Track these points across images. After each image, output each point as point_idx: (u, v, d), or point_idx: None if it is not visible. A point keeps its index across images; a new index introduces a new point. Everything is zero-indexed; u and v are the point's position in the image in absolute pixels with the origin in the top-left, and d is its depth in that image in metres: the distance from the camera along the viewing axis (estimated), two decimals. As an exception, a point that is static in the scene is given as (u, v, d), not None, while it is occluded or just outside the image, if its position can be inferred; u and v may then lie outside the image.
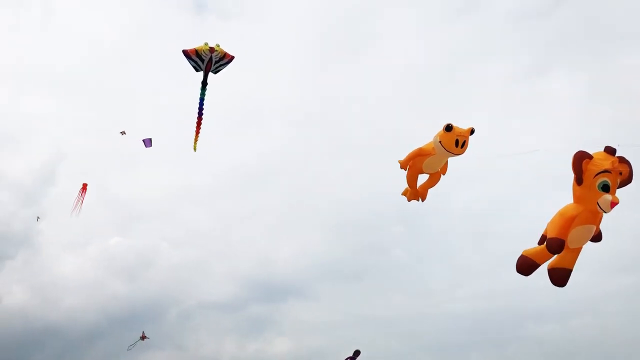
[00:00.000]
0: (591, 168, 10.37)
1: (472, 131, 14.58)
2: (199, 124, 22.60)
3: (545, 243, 11.15)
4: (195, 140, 23.35)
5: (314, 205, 59.71)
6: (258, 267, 59.48)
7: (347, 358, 26.19)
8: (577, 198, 10.85)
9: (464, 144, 14.55)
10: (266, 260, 59.88)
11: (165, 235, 60.77)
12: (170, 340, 47.98)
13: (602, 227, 11.35)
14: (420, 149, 15.42)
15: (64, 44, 61.04)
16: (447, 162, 16.04)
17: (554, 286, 11.54)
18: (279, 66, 63.84)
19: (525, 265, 11.54)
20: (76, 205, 36.66)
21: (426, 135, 16.24)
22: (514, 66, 62.21)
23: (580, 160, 10.35)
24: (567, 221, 10.84)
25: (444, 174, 16.42)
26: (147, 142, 33.41)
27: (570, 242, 11.01)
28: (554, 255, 11.40)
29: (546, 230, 11.43)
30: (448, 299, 52.19)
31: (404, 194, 16.72)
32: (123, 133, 35.23)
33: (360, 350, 26.01)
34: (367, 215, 57.64)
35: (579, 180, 10.52)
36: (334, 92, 63.08)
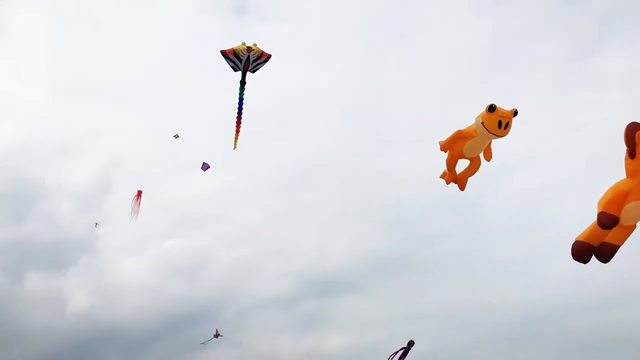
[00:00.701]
0: None
1: (515, 112, 13.91)
2: (238, 122, 22.99)
3: (596, 219, 10.41)
4: (236, 138, 23.76)
5: (365, 199, 59.67)
6: (311, 263, 60.13)
7: (401, 349, 25.96)
8: (630, 172, 10.27)
9: (507, 126, 13.93)
10: (319, 256, 60.39)
11: (219, 235, 62.47)
12: (226, 337, 48.65)
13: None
14: (461, 131, 14.88)
15: (115, 56, 63.43)
16: (490, 147, 15.53)
17: (601, 264, 10.95)
18: (321, 63, 64.30)
19: (581, 250, 10.79)
20: (133, 211, 38.35)
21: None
22: (566, 46, 60.38)
23: (633, 131, 9.80)
24: (619, 196, 10.27)
25: (488, 160, 15.81)
26: (205, 166, 35.66)
27: (623, 219, 10.39)
28: (607, 234, 10.69)
29: (598, 206, 10.62)
30: (504, 289, 51.16)
31: (442, 176, 16.28)
32: (176, 136, 36.71)
33: (414, 341, 25.71)
34: (420, 208, 57.36)
35: (631, 153, 9.97)
36: (379, 84, 62.90)
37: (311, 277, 58.98)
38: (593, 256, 10.92)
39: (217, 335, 44.36)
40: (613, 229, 10.45)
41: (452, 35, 60.66)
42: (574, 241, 11.00)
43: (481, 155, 15.88)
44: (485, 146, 15.33)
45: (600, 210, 10.32)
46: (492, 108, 13.78)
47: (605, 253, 10.87)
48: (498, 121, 13.85)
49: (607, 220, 10.16)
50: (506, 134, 14.22)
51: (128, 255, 60.44)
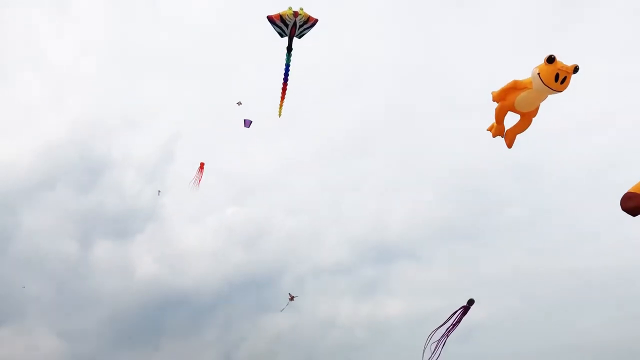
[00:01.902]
0: None
1: (576, 69, 12.91)
2: (284, 90, 22.69)
3: None
4: (281, 106, 23.52)
5: (423, 165, 59.04)
6: (369, 231, 60.31)
7: (462, 307, 25.58)
8: None
9: (564, 80, 12.95)
10: (377, 223, 60.44)
11: (278, 204, 63.45)
12: (285, 303, 49.86)
13: None
14: (516, 82, 13.96)
15: (172, 30, 64.62)
16: (539, 105, 14.82)
17: None
18: (376, 28, 63.02)
19: (631, 202, 10.27)
20: (195, 182, 39.55)
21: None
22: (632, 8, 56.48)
23: None
24: None
25: (533, 117, 15.16)
26: (247, 123, 35.83)
27: None
28: None
29: None
30: (568, 255, 49.58)
31: (489, 129, 15.47)
32: (239, 104, 37.13)
33: (474, 299, 25.21)
34: (479, 174, 56.05)
35: None
36: (436, 48, 61.34)
37: (369, 244, 59.29)
38: None
39: (292, 298, 45.85)
40: None
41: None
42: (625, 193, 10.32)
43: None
44: (539, 102, 14.42)
45: None
46: (551, 59, 12.73)
47: None
48: (556, 74, 12.88)
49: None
50: (563, 89, 13.16)
51: (191, 223, 62.54)
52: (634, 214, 10.26)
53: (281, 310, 46.45)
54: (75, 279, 55.85)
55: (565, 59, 13.77)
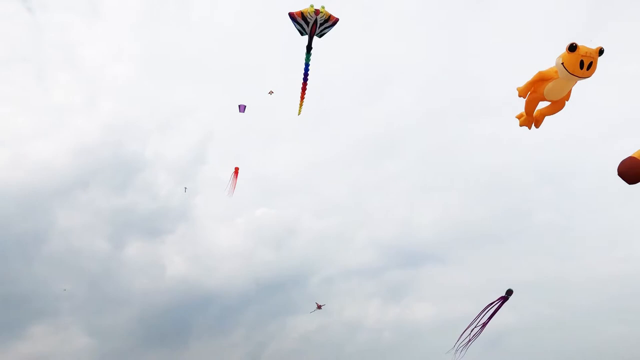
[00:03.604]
0: None
1: (600, 51, 12.62)
2: (304, 89, 22.60)
3: None
4: (300, 105, 23.43)
5: (452, 168, 58.45)
6: (397, 233, 59.97)
7: (500, 297, 25.22)
8: None
9: (590, 66, 12.69)
10: (405, 226, 60.05)
11: (306, 206, 63.72)
12: (313, 304, 49.89)
13: None
14: (541, 73, 13.76)
15: (202, 33, 65.59)
16: (570, 91, 14.48)
17: None
18: (406, 30, 62.79)
19: (632, 168, 9.90)
20: (230, 187, 40.12)
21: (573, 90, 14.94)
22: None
23: None
24: None
25: (567, 100, 14.84)
26: (242, 108, 36.00)
27: None
28: None
29: None
30: (600, 261, 48.52)
31: (518, 117, 15.20)
32: (271, 93, 37.25)
33: (513, 290, 24.80)
34: (509, 178, 55.24)
35: None
36: (466, 51, 60.71)
37: (397, 247, 58.92)
38: None
39: (319, 307, 46.64)
40: None
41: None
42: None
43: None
44: (568, 89, 13.91)
45: None
46: (572, 47, 12.50)
47: None
48: (580, 61, 12.65)
49: None
50: (590, 75, 12.91)
51: (221, 223, 63.27)
52: (630, 180, 10.00)
53: (310, 312, 46.94)
54: (107, 277, 57.05)
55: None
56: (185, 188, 53.14)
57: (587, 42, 13.25)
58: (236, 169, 40.17)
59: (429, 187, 59.86)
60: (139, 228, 60.59)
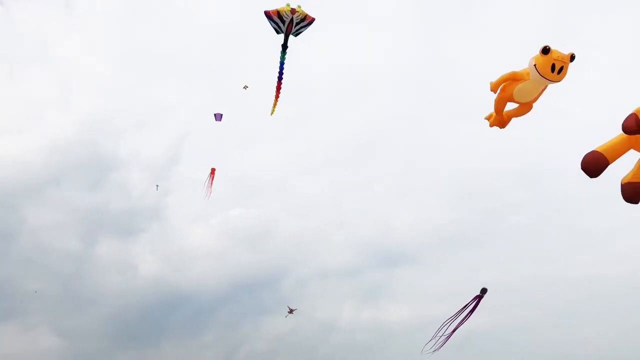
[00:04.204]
0: None
1: (572, 57, 12.69)
2: (278, 88, 22.37)
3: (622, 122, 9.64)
4: (274, 104, 23.20)
5: (430, 171, 58.73)
6: (374, 235, 59.99)
7: (475, 297, 25.31)
8: None
9: (561, 70, 12.72)
10: (382, 227, 60.07)
11: (282, 206, 63.36)
12: (288, 305, 49.76)
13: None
14: (513, 73, 13.77)
15: (181, 30, 64.75)
16: (539, 95, 14.57)
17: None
18: (387, 32, 62.90)
19: (593, 162, 9.97)
20: (206, 188, 39.59)
21: (545, 93, 15.10)
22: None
23: None
24: None
25: (534, 102, 14.92)
26: (218, 117, 35.87)
27: None
28: (624, 153, 10.04)
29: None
30: (571, 264, 49.13)
31: (487, 118, 15.18)
32: (246, 87, 36.87)
33: (487, 289, 24.95)
34: (486, 181, 55.72)
35: None
36: (446, 53, 61.02)
37: (373, 248, 59.01)
38: None
39: (291, 311, 46.47)
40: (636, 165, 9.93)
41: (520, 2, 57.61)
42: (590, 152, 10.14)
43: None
44: (538, 92, 14.02)
45: (632, 113, 9.57)
46: (546, 50, 12.51)
47: (633, 194, 10.17)
48: (552, 64, 12.68)
49: (634, 122, 9.43)
50: (560, 79, 12.99)
51: (195, 223, 62.58)
52: (592, 174, 10.06)
53: (285, 317, 46.88)
54: (78, 277, 56.07)
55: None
56: (157, 185, 52.34)
57: (560, 47, 13.36)
58: (213, 170, 39.71)
59: (406, 189, 60.12)
60: (112, 227, 59.71)
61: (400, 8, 62.97)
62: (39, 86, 66.12)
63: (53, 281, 54.89)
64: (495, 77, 14.49)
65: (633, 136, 9.93)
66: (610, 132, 10.64)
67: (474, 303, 21.30)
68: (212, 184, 39.26)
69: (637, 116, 9.48)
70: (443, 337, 19.31)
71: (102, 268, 57.01)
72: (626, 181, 10.28)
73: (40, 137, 61.20)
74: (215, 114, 36.28)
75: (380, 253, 59.00)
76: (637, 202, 10.21)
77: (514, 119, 15.59)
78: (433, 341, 19.25)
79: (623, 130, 9.69)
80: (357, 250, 59.55)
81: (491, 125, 15.40)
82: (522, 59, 14.28)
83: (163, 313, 56.05)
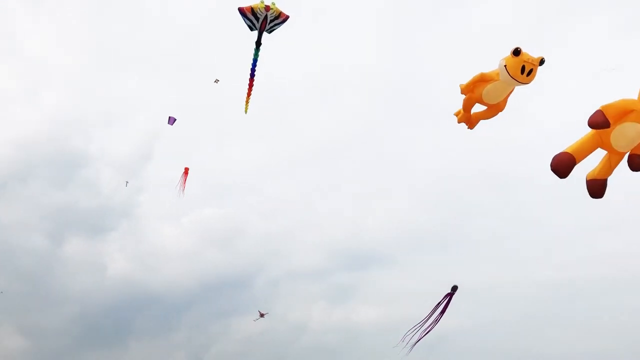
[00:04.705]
0: None
1: (541, 61, 13.00)
2: (250, 85, 22.24)
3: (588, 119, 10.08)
4: (247, 102, 23.06)
5: (400, 174, 59.00)
6: (345, 236, 60.01)
7: (446, 295, 25.47)
8: None
9: (530, 73, 13.01)
10: (353, 229, 60.21)
11: (254, 206, 63.05)
12: (259, 306, 49.53)
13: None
14: (483, 74, 14.08)
15: (153, 26, 64.04)
16: (507, 97, 14.86)
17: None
18: (356, 34, 63.19)
19: (562, 163, 10.34)
20: (179, 187, 39.13)
21: (513, 99, 15.35)
22: (608, 23, 57.30)
23: None
24: (623, 108, 9.89)
25: (501, 110, 15.10)
26: (171, 120, 35.77)
27: (614, 139, 10.16)
28: (591, 152, 10.47)
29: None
30: (538, 266, 50.03)
31: (456, 114, 15.44)
32: (217, 81, 36.52)
33: (458, 286, 25.14)
34: (454, 184, 56.31)
35: None
36: (415, 55, 61.62)
37: (344, 250, 59.12)
38: None
39: (262, 315, 46.47)
40: (602, 162, 10.46)
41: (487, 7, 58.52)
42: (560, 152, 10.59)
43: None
44: (506, 94, 14.31)
45: (600, 108, 9.98)
46: (517, 51, 12.81)
47: (597, 190, 10.77)
48: (522, 66, 12.96)
49: (599, 118, 9.86)
50: (529, 81, 13.28)
51: (166, 222, 61.86)
52: (562, 175, 10.42)
53: (255, 320, 46.69)
54: (44, 275, 54.95)
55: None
56: (127, 182, 51.63)
57: (530, 51, 13.64)
58: (186, 169, 39.27)
59: (377, 191, 60.38)
60: (80, 225, 58.70)
61: (373, 11, 63.36)
62: (6, 81, 64.84)
63: (18, 280, 53.78)
64: (466, 80, 14.74)
65: (599, 136, 10.32)
66: (577, 134, 11.01)
67: (445, 301, 21.56)
68: (185, 183, 38.94)
69: (603, 112, 9.83)
70: (418, 336, 19.47)
71: (70, 267, 56.21)
72: (591, 177, 10.72)
73: (6, 133, 60.02)
74: (169, 117, 36.06)
75: (350, 254, 59.27)
76: (601, 197, 10.71)
77: (484, 123, 15.90)
78: (407, 340, 19.37)
79: (589, 125, 10.04)
80: (328, 251, 59.71)
81: (459, 122, 15.62)
82: (495, 64, 14.56)
83: (132, 313, 55.47)
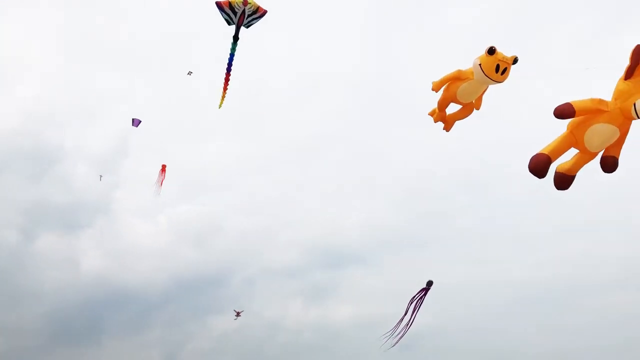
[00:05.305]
0: None
1: (515, 60, 13.33)
2: (227, 80, 22.03)
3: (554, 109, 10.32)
4: (222, 96, 22.86)
5: (378, 173, 59.16)
6: (322, 235, 59.98)
7: (421, 290, 25.59)
8: (616, 93, 10.04)
9: (504, 71, 13.33)
10: (330, 227, 60.22)
11: (231, 203, 62.66)
12: (235, 303, 49.33)
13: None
14: (458, 71, 14.34)
15: (132, 19, 63.20)
16: (481, 96, 14.84)
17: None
18: (337, 34, 63.33)
19: (539, 163, 10.53)
20: (157, 185, 38.63)
21: (491, 100, 15.48)
22: (584, 26, 58.24)
23: None
24: (593, 107, 10.10)
25: (477, 109, 15.19)
26: (136, 122, 35.54)
27: (588, 139, 10.38)
28: (568, 150, 10.76)
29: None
30: (513, 266, 50.72)
31: (431, 114, 15.74)
32: (190, 73, 36.19)
33: (433, 281, 25.31)
34: (432, 184, 56.71)
35: (629, 72, 9.80)
36: (394, 56, 61.93)
37: (321, 248, 59.13)
38: None
39: (238, 314, 46.44)
40: (574, 158, 10.76)
41: (467, 10, 58.98)
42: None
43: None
44: (480, 92, 14.57)
45: (569, 103, 10.19)
46: (491, 50, 13.10)
47: (562, 183, 11.02)
48: (496, 65, 13.24)
49: (566, 109, 10.09)
50: (503, 80, 13.59)
51: (142, 219, 61.18)
52: (540, 175, 10.65)
53: (234, 319, 46.67)
54: (15, 272, 53.82)
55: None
56: (101, 176, 50.85)
57: (505, 51, 13.82)
58: (163, 166, 38.83)
59: (355, 190, 60.50)
60: (54, 221, 57.63)
61: (352, 11, 63.52)
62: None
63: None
64: (438, 78, 14.87)
65: (573, 136, 10.59)
66: (553, 134, 11.24)
67: (420, 296, 21.71)
68: (163, 180, 38.51)
69: (572, 104, 10.08)
70: (397, 334, 19.53)
71: (43, 263, 55.03)
72: (561, 171, 11.00)
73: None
74: (133, 119, 35.81)
75: (327, 253, 59.28)
76: (565, 190, 11.09)
77: (462, 124, 16.03)
78: (388, 338, 19.40)
79: (555, 114, 10.28)
80: (305, 249, 59.62)
81: (435, 121, 15.76)
82: (468, 61, 14.67)
83: (106, 310, 54.61)
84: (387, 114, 60.22)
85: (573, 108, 10.02)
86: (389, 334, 19.21)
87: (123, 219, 59.57)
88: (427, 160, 53.90)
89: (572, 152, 11.12)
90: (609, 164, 10.79)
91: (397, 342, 19.18)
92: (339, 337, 52.56)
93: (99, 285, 54.70)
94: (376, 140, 60.93)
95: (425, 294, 21.88)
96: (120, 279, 55.75)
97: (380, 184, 58.95)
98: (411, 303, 20.22)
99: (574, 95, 10.66)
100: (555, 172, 10.98)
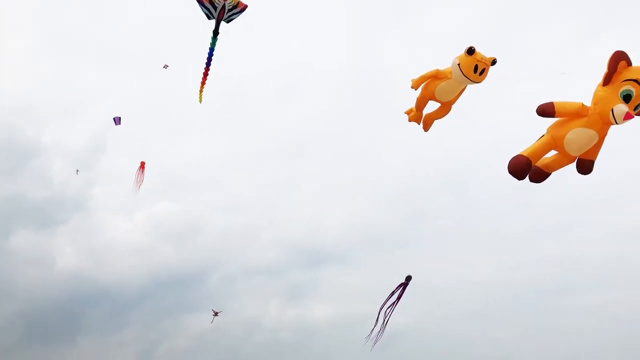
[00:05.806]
0: (624, 72, 9.83)
1: (493, 61, 13.55)
2: (205, 74, 21.77)
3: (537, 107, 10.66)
4: (201, 91, 22.62)
5: (359, 173, 59.17)
6: (301, 234, 59.97)
7: (400, 285, 25.54)
8: (595, 99, 10.20)
9: (482, 72, 13.57)
10: (310, 227, 60.18)
11: (211, 201, 62.22)
12: (213, 302, 48.90)
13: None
14: (437, 70, 14.43)
15: (110, 14, 62.35)
16: (459, 95, 14.85)
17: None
18: (321, 31, 63.27)
19: (519, 165, 10.80)
20: (136, 182, 38.03)
21: (472, 101, 15.47)
22: (566, 31, 58.82)
23: (618, 60, 9.84)
24: (574, 110, 10.40)
25: (452, 104, 15.21)
26: (117, 120, 35.21)
27: (567, 143, 10.60)
28: (547, 153, 11.02)
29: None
30: (492, 267, 51.16)
31: (407, 112, 15.77)
32: (166, 67, 35.75)
33: (412, 276, 25.30)
34: (412, 184, 56.86)
35: (607, 79, 9.96)
36: (378, 56, 61.96)
37: (301, 247, 59.00)
38: None
39: (216, 314, 45.79)
40: (555, 156, 11.00)
41: (454, 10, 59.23)
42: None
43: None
44: (458, 92, 14.74)
45: (550, 102, 10.54)
46: (471, 50, 13.31)
47: (539, 177, 11.38)
48: (475, 65, 13.46)
49: (547, 108, 10.49)
50: (481, 80, 13.81)
51: (119, 216, 60.33)
52: (519, 176, 10.93)
53: (211, 322, 46.13)
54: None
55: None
56: (77, 170, 50.07)
57: (486, 52, 13.93)
58: (142, 164, 38.21)
59: (335, 190, 60.45)
60: (29, 217, 56.50)
61: (337, 9, 63.46)
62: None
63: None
64: (417, 75, 14.91)
65: (553, 139, 10.82)
66: (533, 136, 11.41)
67: (399, 290, 21.68)
68: (142, 178, 37.94)
69: (554, 104, 10.46)
70: (377, 333, 19.45)
71: (16, 260, 53.90)
72: (540, 165, 11.32)
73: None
74: (114, 118, 35.38)
75: (306, 252, 59.18)
76: (539, 182, 11.50)
77: (441, 124, 16.06)
78: (369, 337, 19.28)
79: (537, 111, 10.64)
80: (284, 248, 59.48)
81: (410, 120, 15.89)
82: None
83: (81, 308, 53.88)
84: (370, 114, 60.24)
85: (554, 108, 10.32)
86: (370, 333, 19.15)
87: (100, 216, 58.94)
88: (408, 160, 54.24)
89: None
90: (585, 167, 11.05)
91: (376, 342, 19.11)
92: (317, 336, 52.59)
93: (74, 283, 54.05)
94: (358, 140, 61.10)
95: (404, 289, 21.82)
96: (96, 276, 55.19)
97: (361, 183, 59.01)
98: (390, 297, 20.21)
99: (553, 98, 10.87)
100: (534, 165, 11.18)
